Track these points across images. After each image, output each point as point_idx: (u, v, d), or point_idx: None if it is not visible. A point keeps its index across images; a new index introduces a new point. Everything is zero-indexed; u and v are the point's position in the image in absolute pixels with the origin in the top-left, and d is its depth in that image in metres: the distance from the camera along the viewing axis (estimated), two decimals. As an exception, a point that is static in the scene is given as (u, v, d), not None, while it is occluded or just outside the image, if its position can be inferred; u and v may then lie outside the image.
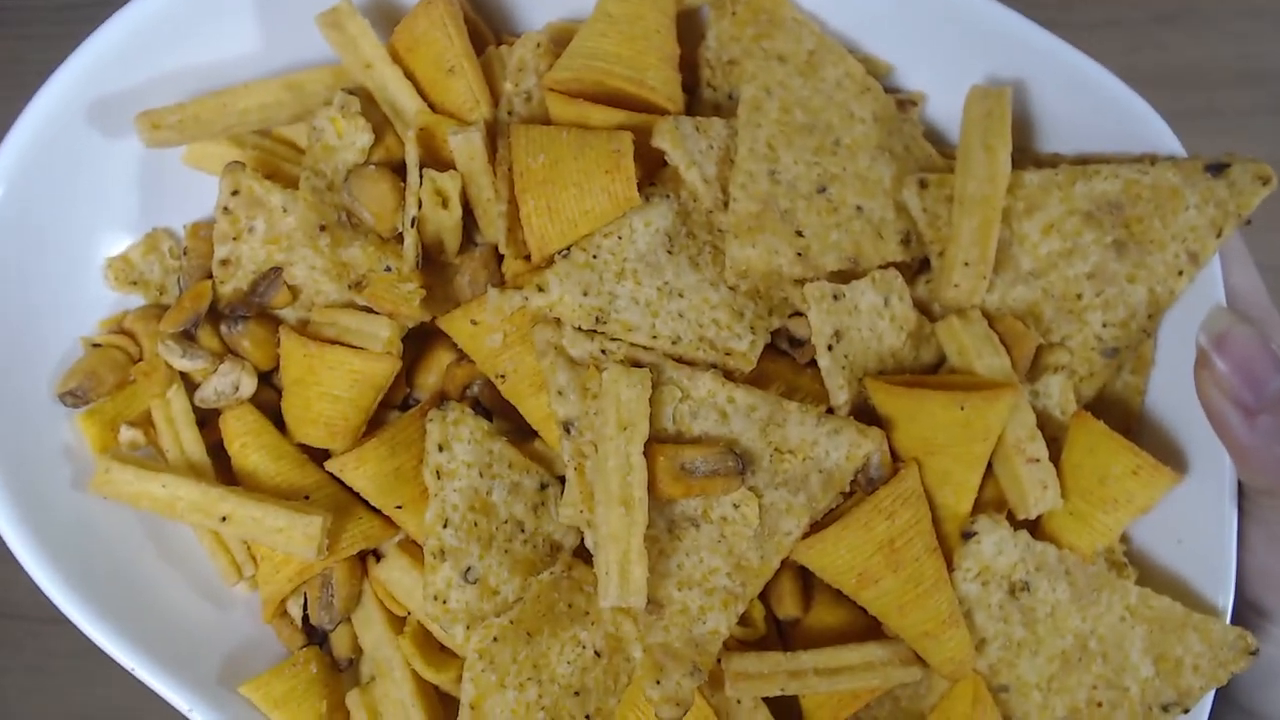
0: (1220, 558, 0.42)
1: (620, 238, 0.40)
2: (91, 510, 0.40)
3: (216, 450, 0.42)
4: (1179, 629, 0.42)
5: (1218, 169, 0.41)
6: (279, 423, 0.42)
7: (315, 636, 0.42)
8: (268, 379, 0.43)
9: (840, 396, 0.41)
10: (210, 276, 0.42)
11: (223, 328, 0.42)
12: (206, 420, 0.42)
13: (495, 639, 0.38)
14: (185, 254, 0.43)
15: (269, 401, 0.43)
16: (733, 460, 0.39)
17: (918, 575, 0.39)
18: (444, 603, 0.38)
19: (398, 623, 0.41)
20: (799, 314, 0.42)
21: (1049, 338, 0.43)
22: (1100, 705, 0.42)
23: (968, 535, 0.40)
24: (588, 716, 0.40)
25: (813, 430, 0.40)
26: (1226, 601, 0.42)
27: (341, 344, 0.40)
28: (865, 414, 0.41)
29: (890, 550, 0.39)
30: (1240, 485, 0.42)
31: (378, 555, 0.41)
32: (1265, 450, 0.39)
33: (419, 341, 0.44)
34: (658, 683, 0.36)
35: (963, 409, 0.39)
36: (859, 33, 0.44)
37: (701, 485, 0.38)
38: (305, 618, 0.41)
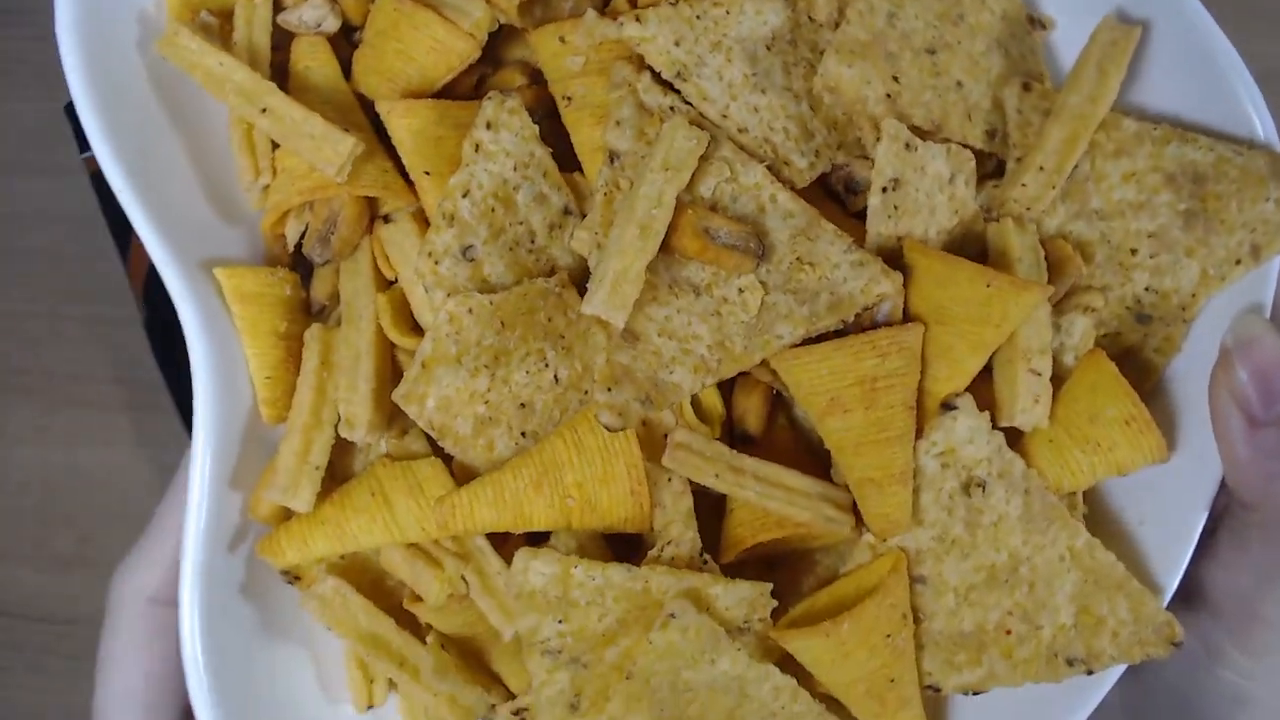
0: (1177, 547, 0.42)
1: (729, 12, 0.41)
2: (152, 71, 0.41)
3: (278, 73, 0.42)
4: (1113, 590, 0.41)
5: (1310, 170, 0.41)
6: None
7: (300, 269, 0.42)
8: (348, 35, 0.44)
9: (876, 241, 0.41)
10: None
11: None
12: (280, 45, 0.43)
13: (470, 310, 0.38)
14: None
15: (342, 59, 0.43)
16: (755, 243, 0.39)
17: (886, 421, 0.39)
18: (435, 264, 0.39)
19: (383, 283, 0.41)
20: (865, 158, 0.42)
21: (1090, 281, 0.43)
22: (1009, 633, 0.41)
23: (948, 407, 0.40)
24: (523, 433, 0.40)
25: (839, 254, 0.40)
26: (1169, 586, 0.41)
27: (434, 10, 0.41)
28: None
29: (870, 388, 0.39)
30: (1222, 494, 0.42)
31: (387, 218, 0.41)
32: (1260, 464, 0.39)
33: (496, 65, 0.45)
34: (610, 390, 0.36)
35: (988, 287, 0.39)
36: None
37: (716, 253, 0.38)
38: (299, 248, 0.41)
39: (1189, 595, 0.43)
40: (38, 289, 0.75)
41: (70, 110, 0.66)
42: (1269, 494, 0.39)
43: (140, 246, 0.64)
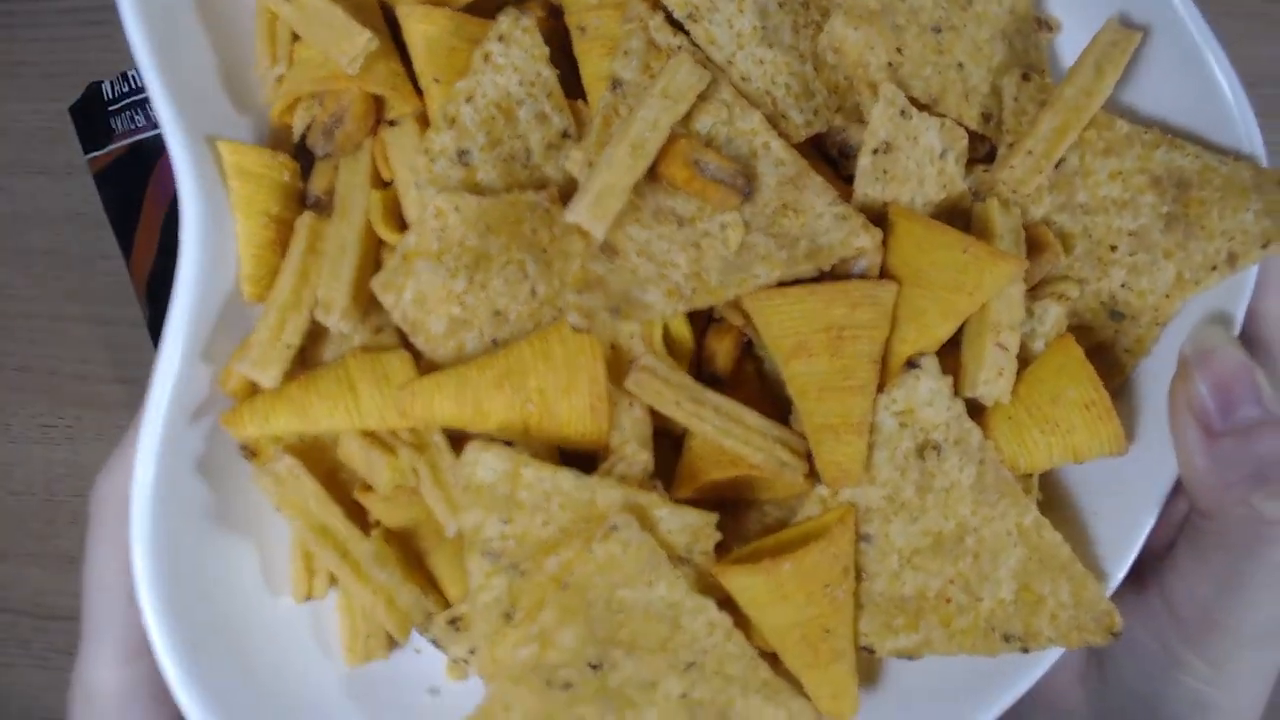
0: (1126, 542, 0.42)
1: (749, -36, 0.42)
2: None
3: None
4: (1056, 571, 0.41)
5: (1292, 183, 0.42)
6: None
7: (301, 162, 0.43)
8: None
9: (862, 201, 0.42)
10: None
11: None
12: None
13: (457, 209, 0.39)
14: None
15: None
16: (742, 181, 0.40)
17: (850, 370, 0.39)
18: (431, 162, 0.40)
19: (379, 184, 0.42)
20: (862, 124, 0.43)
21: (1067, 271, 0.44)
22: (948, 602, 0.41)
23: (912, 365, 0.40)
24: (495, 341, 0.40)
25: (824, 205, 0.41)
26: (1114, 577, 0.42)
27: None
28: (875, 232, 0.42)
29: (838, 336, 0.39)
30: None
31: (392, 123, 0.42)
32: (1217, 475, 0.39)
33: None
34: (580, 293, 0.37)
35: (965, 253, 0.40)
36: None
37: (703, 185, 0.39)
38: (303, 141, 0.42)
39: (1151, 601, 0.43)
40: (41, 289, 0.76)
41: (74, 110, 0.68)
42: (1226, 504, 0.40)
43: (143, 247, 0.66)
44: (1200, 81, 0.43)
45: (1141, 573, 0.43)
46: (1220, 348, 0.41)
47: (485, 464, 0.37)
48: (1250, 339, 0.42)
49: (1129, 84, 0.44)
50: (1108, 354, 0.45)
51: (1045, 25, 0.47)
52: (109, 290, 0.74)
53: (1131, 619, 0.42)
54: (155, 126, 0.63)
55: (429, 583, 0.42)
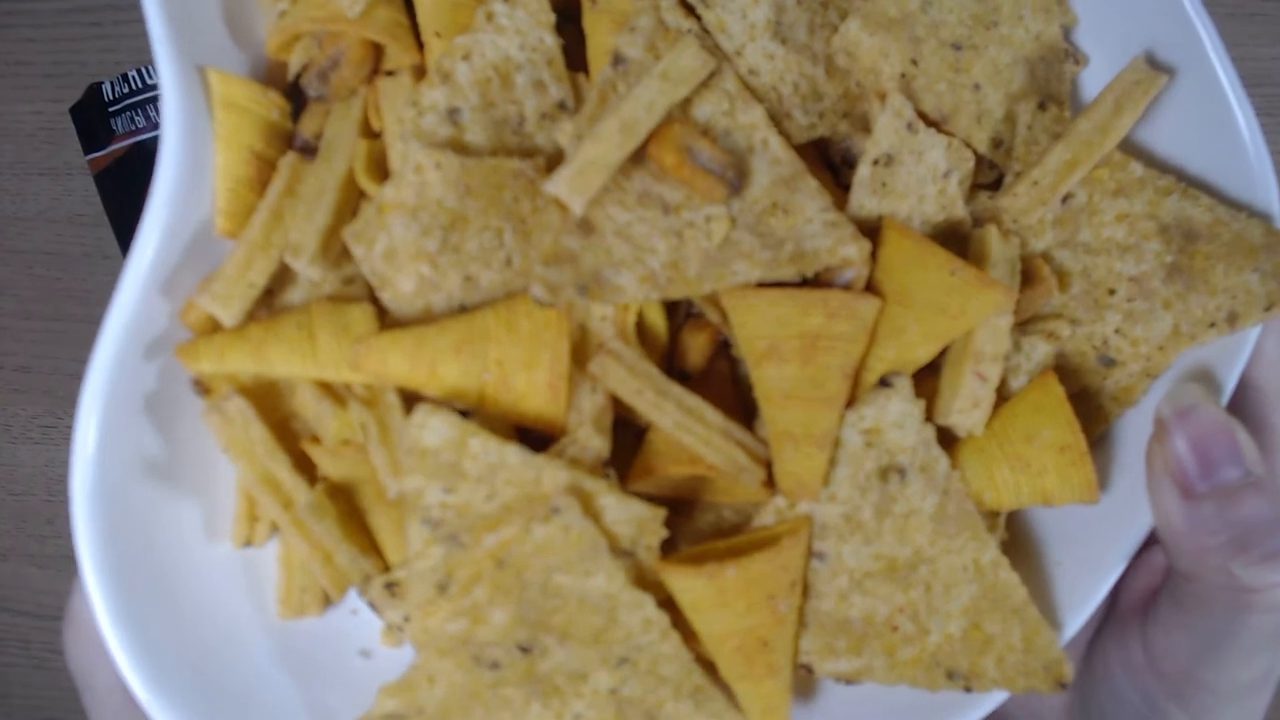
0: (1087, 594, 0.41)
1: (769, -44, 0.41)
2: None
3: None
4: (1010, 613, 0.40)
5: (1303, 247, 0.40)
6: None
7: (293, 101, 0.42)
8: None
9: (857, 211, 0.40)
10: None
11: None
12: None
13: (438, 165, 0.38)
14: None
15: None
16: (733, 174, 0.39)
17: (820, 381, 0.38)
18: (419, 116, 0.39)
19: (368, 130, 0.41)
20: (868, 133, 0.42)
21: (1061, 309, 0.43)
22: (895, 630, 0.40)
23: (885, 383, 0.39)
24: (463, 306, 0.39)
25: (816, 210, 0.39)
26: (1069, 627, 0.40)
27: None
28: (866, 245, 0.41)
29: (811, 344, 0.38)
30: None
31: (391, 73, 0.42)
32: (1196, 540, 0.38)
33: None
34: (548, 265, 0.36)
35: (953, 275, 0.38)
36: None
37: (691, 173, 0.38)
38: (296, 82, 0.42)
39: (1133, 651, 0.42)
40: (42, 289, 0.76)
41: (74, 111, 0.67)
42: (1205, 567, 0.38)
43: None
44: (1224, 132, 0.42)
45: (1124, 621, 0.42)
46: (1199, 405, 0.39)
47: (433, 428, 0.36)
48: (1243, 410, 0.41)
49: (1150, 124, 0.43)
50: (1093, 400, 0.43)
51: (1073, 57, 0.45)
52: (109, 290, 0.73)
53: (1115, 668, 0.42)
54: (155, 127, 0.63)
55: (370, 544, 0.41)
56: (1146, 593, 0.42)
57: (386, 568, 0.41)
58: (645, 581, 0.39)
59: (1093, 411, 0.43)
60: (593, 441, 0.38)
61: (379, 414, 0.38)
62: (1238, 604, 0.38)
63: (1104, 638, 0.43)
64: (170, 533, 0.41)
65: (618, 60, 0.40)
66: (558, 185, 0.36)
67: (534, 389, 0.38)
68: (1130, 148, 0.43)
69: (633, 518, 0.38)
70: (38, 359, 0.77)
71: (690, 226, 0.39)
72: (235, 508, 0.42)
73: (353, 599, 0.43)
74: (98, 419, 0.38)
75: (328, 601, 0.43)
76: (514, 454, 0.37)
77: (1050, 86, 0.44)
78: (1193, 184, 0.42)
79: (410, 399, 0.39)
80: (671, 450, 0.40)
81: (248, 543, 0.42)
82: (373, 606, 0.40)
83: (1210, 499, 0.38)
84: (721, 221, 0.39)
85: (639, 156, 0.39)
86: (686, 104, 0.40)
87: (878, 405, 0.39)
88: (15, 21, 0.77)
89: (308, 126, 0.42)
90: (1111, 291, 0.42)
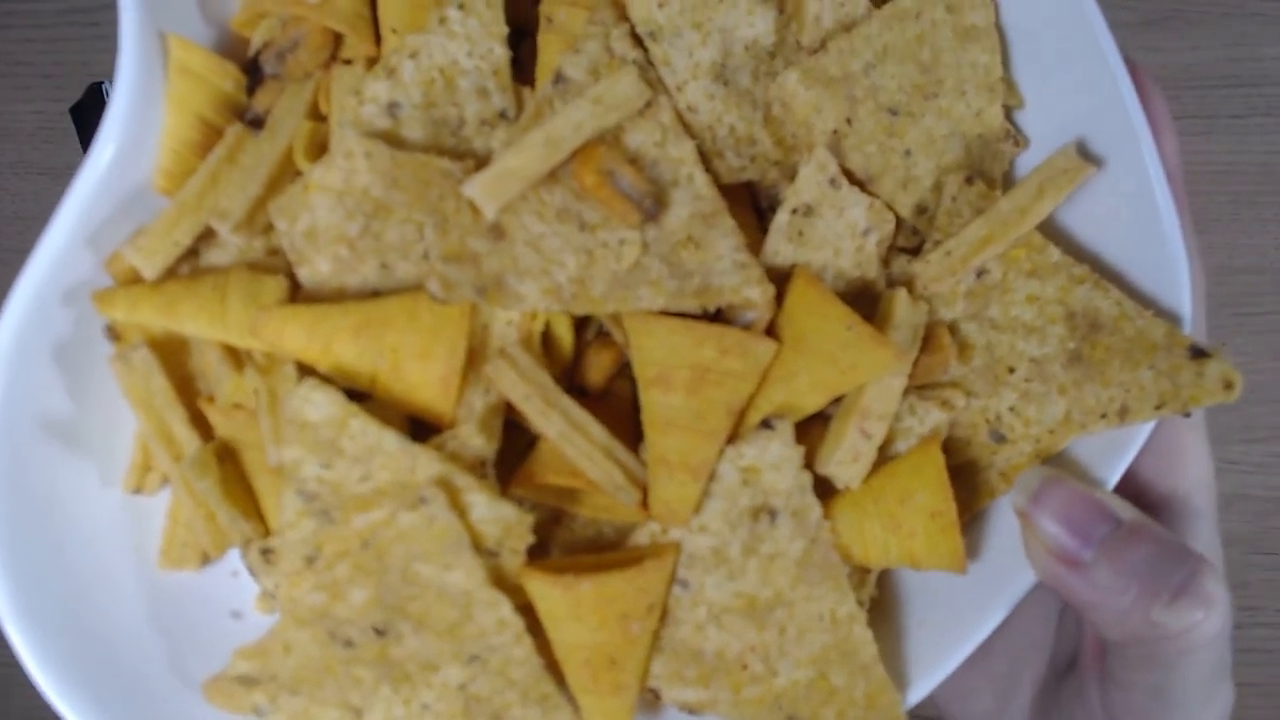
0: (943, 659, 0.41)
1: (723, 1, 0.43)
2: None
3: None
4: (857, 668, 0.40)
5: (1197, 353, 0.41)
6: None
7: (250, 76, 0.44)
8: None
9: (770, 259, 0.42)
10: None
11: None
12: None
13: (368, 154, 0.39)
14: None
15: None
16: (649, 203, 0.40)
17: (705, 414, 0.39)
18: (359, 105, 0.40)
19: (316, 113, 0.43)
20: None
21: (959, 380, 0.43)
22: (745, 668, 0.41)
23: (768, 425, 0.40)
24: (375, 291, 0.41)
25: (728, 249, 0.41)
26: (915, 689, 0.41)
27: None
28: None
29: (700, 376, 0.39)
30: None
31: (348, 62, 0.43)
32: (1108, 604, 0.38)
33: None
34: (448, 262, 0.37)
35: (849, 330, 0.39)
36: (1020, 47, 0.46)
37: (609, 195, 0.40)
38: (255, 58, 0.43)
39: (1093, 707, 0.42)
40: None
41: (74, 111, 0.68)
42: (1130, 627, 0.38)
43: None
44: (1147, 228, 0.42)
45: (1084, 676, 0.43)
46: (1046, 483, 0.40)
47: (315, 403, 0.37)
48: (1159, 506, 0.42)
49: (1077, 208, 0.44)
50: (980, 474, 0.44)
51: (1013, 139, 0.46)
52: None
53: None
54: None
55: (255, 508, 0.42)
56: (1100, 646, 0.43)
57: (268, 533, 0.42)
58: (506, 584, 0.40)
59: (979, 485, 0.44)
60: (474, 440, 0.39)
61: (272, 382, 0.39)
62: (1177, 650, 0.38)
63: (1065, 693, 0.44)
64: (68, 476, 0.42)
65: (559, 79, 0.41)
66: (473, 188, 0.38)
67: (426, 381, 0.39)
68: (1054, 229, 0.44)
69: (500, 519, 0.39)
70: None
71: (603, 247, 0.40)
72: (131, 456, 0.43)
73: (235, 560, 0.44)
74: (6, 359, 0.40)
75: (206, 559, 0.44)
76: (392, 440, 0.38)
77: (984, 163, 0.45)
78: (1109, 273, 0.43)
79: (310, 374, 0.40)
80: (556, 460, 0.40)
81: (138, 490, 0.43)
82: (250, 571, 0.41)
83: (1100, 561, 0.38)
84: (634, 246, 0.40)
85: (565, 173, 0.40)
86: (620, 130, 0.41)
87: (758, 445, 0.40)
88: (15, 21, 0.78)
89: (260, 102, 0.43)
90: (1011, 370, 0.43)
